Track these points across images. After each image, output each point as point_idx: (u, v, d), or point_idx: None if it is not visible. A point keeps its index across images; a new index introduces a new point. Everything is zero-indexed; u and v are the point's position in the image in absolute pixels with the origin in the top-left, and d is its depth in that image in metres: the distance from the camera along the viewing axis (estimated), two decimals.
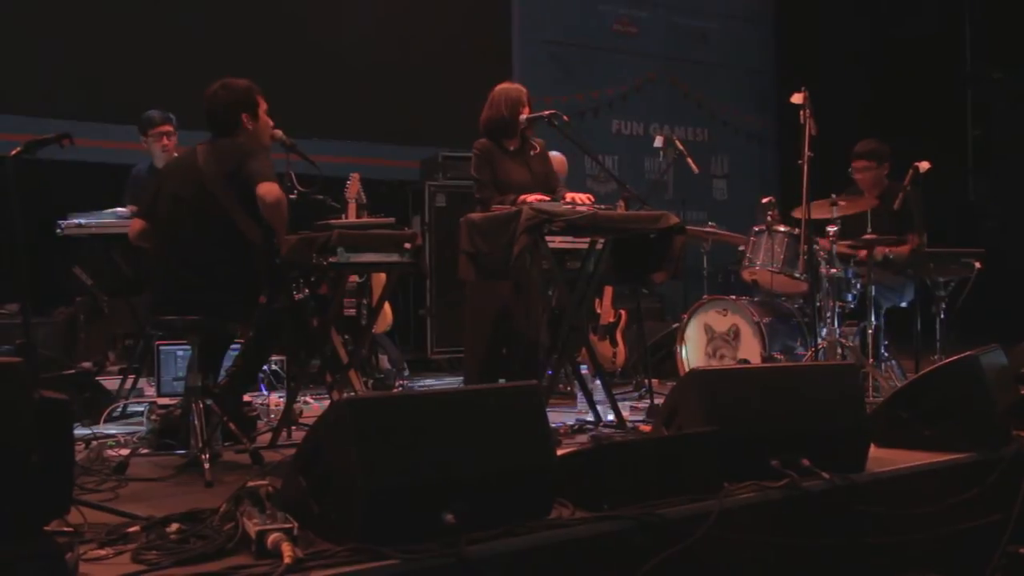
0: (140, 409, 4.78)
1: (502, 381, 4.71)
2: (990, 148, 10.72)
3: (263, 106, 4.18)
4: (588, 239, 4.80)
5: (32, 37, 7.11)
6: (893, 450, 3.67)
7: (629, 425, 4.59)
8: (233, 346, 4.37)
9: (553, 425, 4.34)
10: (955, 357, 3.85)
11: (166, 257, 4.03)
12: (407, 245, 4.26)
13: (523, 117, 5.02)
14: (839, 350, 5.32)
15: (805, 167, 5.34)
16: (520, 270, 4.34)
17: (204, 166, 3.97)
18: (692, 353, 6.18)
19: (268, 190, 3.83)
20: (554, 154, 5.78)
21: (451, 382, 6.71)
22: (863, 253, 5.54)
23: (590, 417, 4.74)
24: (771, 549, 2.98)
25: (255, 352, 4.21)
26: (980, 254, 5.66)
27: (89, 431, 4.36)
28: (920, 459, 3.57)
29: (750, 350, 5.89)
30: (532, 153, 5.17)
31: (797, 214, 5.53)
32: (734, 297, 6.16)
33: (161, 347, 4.90)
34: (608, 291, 6.43)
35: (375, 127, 8.59)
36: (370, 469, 2.43)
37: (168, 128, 5.68)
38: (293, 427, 4.43)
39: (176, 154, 5.07)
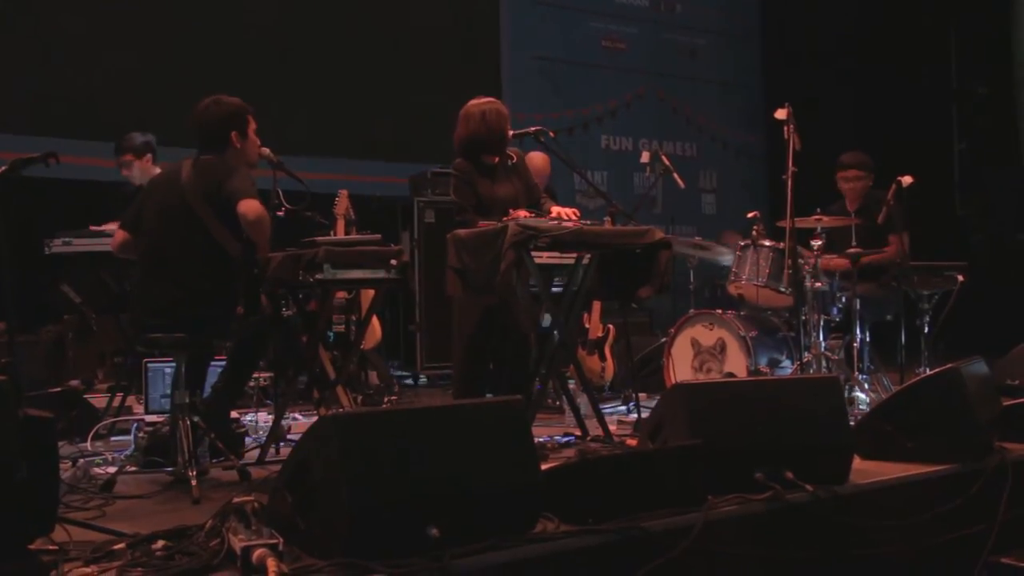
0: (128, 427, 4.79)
1: (489, 396, 4.72)
2: (976, 162, 10.79)
3: (253, 125, 4.20)
4: (575, 254, 4.82)
5: (17, 54, 7.13)
6: (877, 462, 3.69)
7: (616, 439, 4.61)
8: (217, 361, 4.38)
9: (540, 439, 4.38)
10: (938, 369, 3.88)
11: (149, 271, 4.04)
12: (393, 261, 4.27)
13: (510, 133, 5.04)
14: (824, 363, 5.35)
15: (789, 182, 5.38)
16: (506, 286, 4.35)
17: (186, 182, 4.00)
18: (679, 367, 6.20)
19: (248, 207, 3.85)
20: (536, 153, 5.77)
21: (441, 398, 6.71)
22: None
23: (578, 431, 4.76)
24: (755, 561, 3.00)
25: (239, 366, 4.23)
26: (963, 267, 5.69)
27: (76, 449, 4.36)
28: (903, 471, 3.58)
29: (736, 364, 5.92)
30: (510, 163, 5.11)
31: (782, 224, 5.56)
32: (720, 311, 6.20)
33: (149, 364, 4.89)
34: (596, 306, 6.45)
35: (364, 144, 8.62)
36: (355, 484, 2.44)
37: (128, 158, 5.68)
38: (281, 443, 4.44)
39: (159, 170, 5.07)
